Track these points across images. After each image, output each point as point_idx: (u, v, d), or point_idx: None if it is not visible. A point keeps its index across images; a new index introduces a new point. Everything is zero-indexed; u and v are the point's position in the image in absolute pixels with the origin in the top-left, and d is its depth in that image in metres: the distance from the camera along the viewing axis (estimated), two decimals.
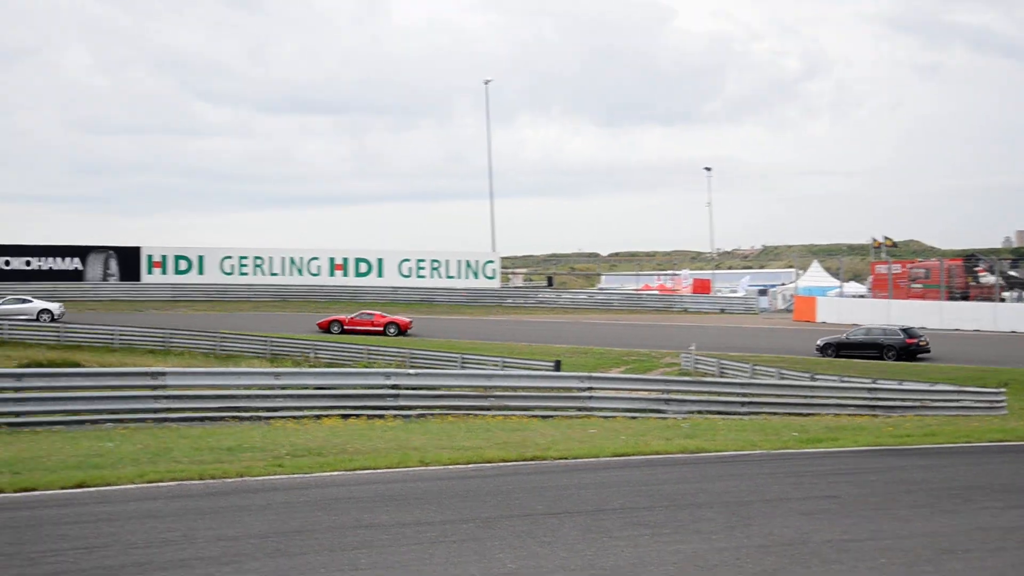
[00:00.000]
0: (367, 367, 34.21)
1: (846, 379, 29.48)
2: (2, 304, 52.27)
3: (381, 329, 53.74)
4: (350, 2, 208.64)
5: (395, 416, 20.20)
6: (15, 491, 11.22)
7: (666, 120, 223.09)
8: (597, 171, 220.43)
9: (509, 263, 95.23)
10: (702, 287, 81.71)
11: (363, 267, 79.82)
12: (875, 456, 15.65)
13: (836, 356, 43.31)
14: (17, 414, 17.71)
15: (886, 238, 74.88)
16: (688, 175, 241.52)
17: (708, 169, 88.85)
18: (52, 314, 52.29)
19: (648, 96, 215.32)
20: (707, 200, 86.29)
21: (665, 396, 22.59)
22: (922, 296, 61.49)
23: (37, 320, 50.44)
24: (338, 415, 19.75)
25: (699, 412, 22.09)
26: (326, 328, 53.69)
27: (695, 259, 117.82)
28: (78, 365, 30.28)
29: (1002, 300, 58.61)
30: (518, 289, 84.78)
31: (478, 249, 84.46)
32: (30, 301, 53.38)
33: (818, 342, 45.41)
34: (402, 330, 53.90)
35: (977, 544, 9.13)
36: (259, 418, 19.33)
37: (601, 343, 47.45)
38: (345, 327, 53.61)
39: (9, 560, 8.06)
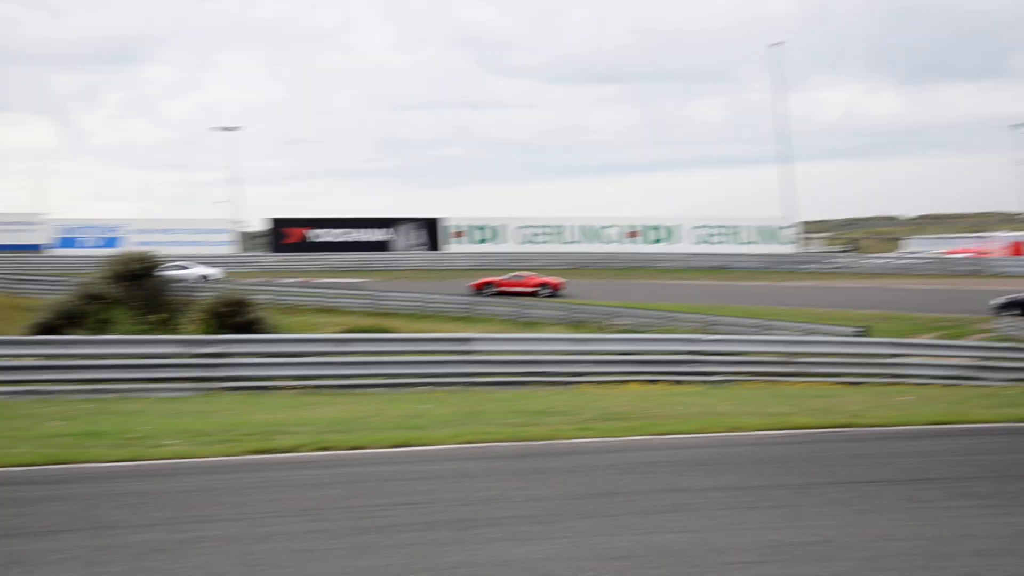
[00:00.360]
0: (669, 333, 34.04)
1: None
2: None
3: (534, 290, 54.24)
4: None
5: (697, 382, 20.11)
6: (346, 448, 11.78)
7: (971, 76, 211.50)
8: (897, 131, 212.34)
9: (805, 228, 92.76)
10: (1017, 249, 77.38)
11: (657, 234, 79.75)
12: None
13: (1022, 315, 39.66)
14: (343, 376, 18.69)
15: None
16: (995, 133, 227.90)
17: (1020, 126, 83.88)
18: (208, 278, 53.68)
19: (951, 52, 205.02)
20: (1019, 158, 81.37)
21: (984, 363, 21.49)
22: None
23: (197, 283, 51.97)
24: (641, 381, 19.81)
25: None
26: (480, 289, 54.45)
27: (1006, 221, 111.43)
28: (391, 331, 31.50)
29: None
30: (814, 254, 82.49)
31: (772, 215, 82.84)
32: (189, 267, 55.09)
33: (996, 301, 41.66)
34: (554, 290, 54.41)
35: None
36: (563, 383, 19.62)
37: (907, 309, 45.66)
38: (498, 288, 54.19)
39: (346, 512, 8.47)
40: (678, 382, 19.94)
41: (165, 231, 73.10)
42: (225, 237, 77.08)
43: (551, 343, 21.92)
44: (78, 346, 18.90)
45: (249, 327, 23.50)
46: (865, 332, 33.01)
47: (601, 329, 39.05)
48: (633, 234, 79.92)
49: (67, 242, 72.22)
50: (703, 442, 12.54)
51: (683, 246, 78.61)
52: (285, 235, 76.81)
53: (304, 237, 76.92)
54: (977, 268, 70.37)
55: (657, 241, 79.44)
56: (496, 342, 21.32)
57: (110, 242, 66.97)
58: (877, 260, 78.92)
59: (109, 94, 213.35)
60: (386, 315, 43.55)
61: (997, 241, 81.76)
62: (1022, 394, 18.29)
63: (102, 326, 22.88)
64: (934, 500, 9.02)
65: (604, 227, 79.79)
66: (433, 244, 77.64)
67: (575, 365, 20.32)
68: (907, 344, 23.03)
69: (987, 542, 7.61)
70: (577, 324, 40.93)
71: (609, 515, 8.39)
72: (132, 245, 49.09)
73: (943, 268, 71.17)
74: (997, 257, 75.38)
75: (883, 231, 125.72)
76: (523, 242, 78.43)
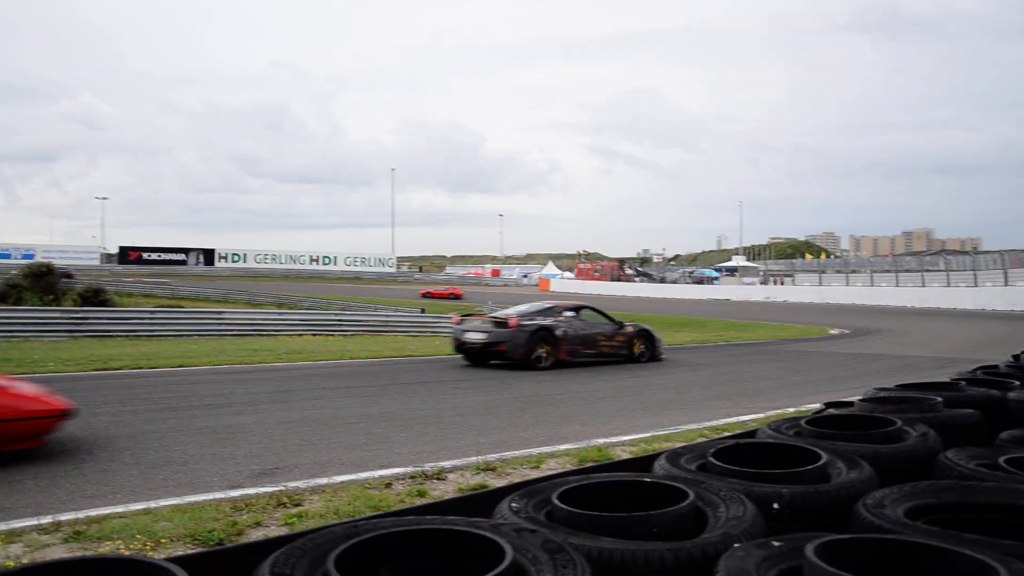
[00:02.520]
0: (325, 310, 32.74)
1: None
2: None
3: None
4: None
5: (339, 334, 19.87)
6: (148, 367, 10.84)
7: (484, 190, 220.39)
8: (445, 214, 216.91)
9: (400, 259, 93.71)
10: (496, 273, 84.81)
11: (326, 260, 78.43)
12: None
13: None
14: (151, 329, 16.75)
15: (583, 251, 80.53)
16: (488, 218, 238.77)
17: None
18: None
19: (473, 177, 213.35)
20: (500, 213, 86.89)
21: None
22: (599, 279, 64.69)
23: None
24: (311, 334, 19.37)
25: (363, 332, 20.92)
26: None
27: (493, 260, 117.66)
28: (181, 307, 28.23)
29: (634, 281, 63.25)
30: (403, 272, 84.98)
31: (385, 252, 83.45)
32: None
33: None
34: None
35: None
36: (269, 335, 18.76)
37: (441, 301, 46.77)
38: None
39: (143, 401, 7.92)
40: (330, 334, 19.72)
41: (60, 252, 65.88)
42: (94, 255, 70.28)
43: (264, 314, 20.79)
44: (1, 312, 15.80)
45: (102, 303, 20.56)
46: (423, 311, 33.56)
47: (294, 306, 37.02)
48: (315, 260, 78.14)
49: (3, 255, 63.26)
50: (338, 364, 12.41)
51: (339, 267, 77.50)
52: (129, 255, 71.05)
53: (140, 256, 71.12)
54: (476, 282, 75.02)
55: (326, 263, 78.11)
56: (236, 313, 19.94)
57: (27, 256, 58.00)
58: (434, 276, 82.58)
59: None
60: (182, 299, 39.10)
61: (485, 269, 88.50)
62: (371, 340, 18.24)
63: (17, 302, 19.43)
64: (431, 390, 9.62)
65: (296, 255, 77.19)
66: (209, 262, 72.03)
67: (277, 325, 19.46)
68: (439, 316, 23.72)
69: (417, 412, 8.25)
70: (280, 304, 38.32)
71: (286, 402, 8.21)
72: (40, 259, 41.16)
73: (461, 281, 74.82)
74: (487, 276, 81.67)
75: (439, 263, 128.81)
76: (256, 263, 74.07)
